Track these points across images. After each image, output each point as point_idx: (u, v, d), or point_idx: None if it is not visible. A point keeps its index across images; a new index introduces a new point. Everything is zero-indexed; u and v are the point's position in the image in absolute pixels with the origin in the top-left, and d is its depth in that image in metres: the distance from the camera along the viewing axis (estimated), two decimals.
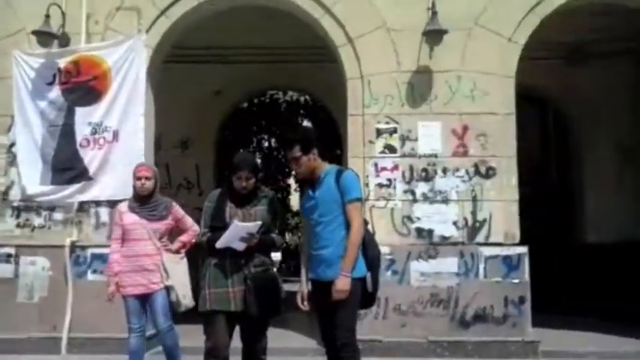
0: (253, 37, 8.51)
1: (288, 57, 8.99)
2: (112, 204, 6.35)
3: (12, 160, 6.56)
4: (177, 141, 9.54)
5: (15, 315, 6.30)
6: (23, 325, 6.28)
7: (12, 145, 6.58)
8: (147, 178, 4.50)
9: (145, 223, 4.44)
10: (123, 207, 4.59)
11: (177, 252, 4.53)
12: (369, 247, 3.55)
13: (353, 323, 3.51)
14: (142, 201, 4.52)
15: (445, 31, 6.18)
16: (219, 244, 3.69)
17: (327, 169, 3.66)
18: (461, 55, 6.38)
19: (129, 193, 6.28)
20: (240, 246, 3.70)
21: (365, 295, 3.52)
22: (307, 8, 6.51)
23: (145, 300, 4.46)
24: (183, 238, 4.62)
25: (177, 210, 4.62)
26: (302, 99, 13.64)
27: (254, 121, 13.73)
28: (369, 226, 3.77)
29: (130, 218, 4.48)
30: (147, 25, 6.58)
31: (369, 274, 3.51)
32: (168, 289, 4.36)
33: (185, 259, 4.54)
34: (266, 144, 16.00)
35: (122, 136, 6.44)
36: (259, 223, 3.72)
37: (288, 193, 18.51)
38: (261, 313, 3.69)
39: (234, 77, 9.54)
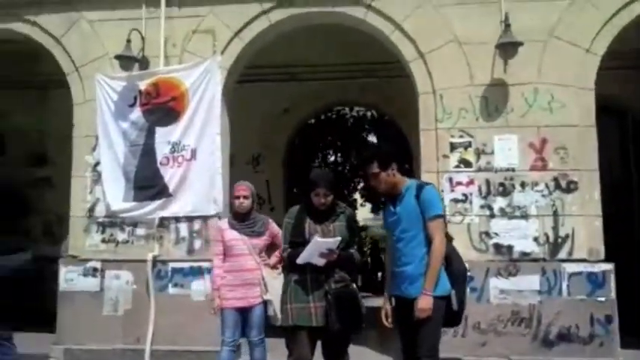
0: (321, 55, 8.64)
1: (356, 73, 9.07)
2: (191, 220, 6.63)
3: (97, 179, 6.88)
4: (249, 158, 9.75)
5: (101, 327, 6.58)
6: (108, 336, 6.54)
7: (97, 164, 6.90)
8: (245, 197, 4.71)
9: (245, 240, 4.65)
10: (223, 224, 4.81)
11: (274, 267, 4.67)
12: (453, 264, 3.52)
13: (435, 341, 3.49)
14: (241, 218, 4.73)
15: (520, 44, 6.07)
16: (299, 260, 3.75)
17: (407, 184, 3.68)
18: (537, 68, 6.25)
19: (207, 209, 6.60)
20: (320, 262, 3.75)
21: (450, 313, 3.48)
22: (377, 25, 6.56)
23: (243, 313, 4.63)
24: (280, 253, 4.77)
25: (274, 226, 4.81)
26: (369, 114, 13.68)
27: (320, 136, 13.86)
28: (454, 242, 3.72)
29: (231, 235, 4.69)
30: (221, 46, 6.79)
31: (453, 292, 3.48)
32: (266, 303, 4.51)
33: (282, 275, 4.67)
34: (331, 158, 16.08)
35: (199, 155, 6.66)
36: (339, 238, 3.76)
37: (355, 207, 18.53)
38: (343, 328, 3.71)
39: (302, 94, 9.69)
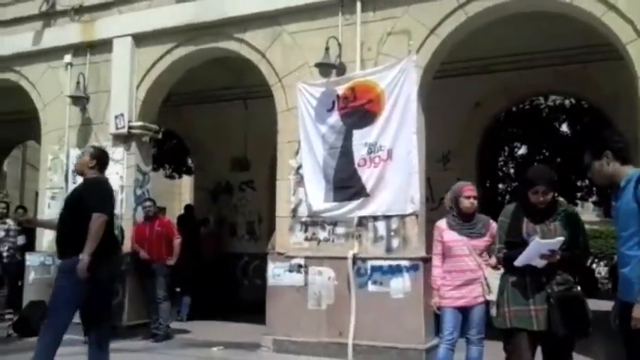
0: (514, 44, 8.26)
1: (554, 60, 8.53)
2: (389, 218, 6.74)
3: (299, 181, 7.28)
4: (439, 155, 9.66)
5: (306, 320, 6.95)
6: (313, 329, 6.89)
7: (299, 167, 7.29)
8: (474, 197, 4.70)
9: (465, 241, 4.64)
10: (442, 224, 4.83)
11: (495, 267, 4.60)
12: None
13: None
14: (464, 219, 4.71)
15: None
16: (518, 262, 3.62)
17: (628, 174, 3.20)
18: None
19: (404, 208, 6.66)
20: (541, 263, 3.59)
21: None
22: (586, 7, 6.09)
23: (463, 312, 4.64)
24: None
25: (494, 227, 4.67)
26: (567, 102, 12.80)
27: (511, 129, 13.27)
28: None
29: (450, 236, 4.71)
30: (417, 45, 6.80)
31: None
32: (488, 303, 4.46)
33: None
34: (519, 152, 15.28)
35: (396, 154, 6.75)
36: (561, 239, 3.57)
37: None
38: (569, 333, 3.52)
39: (494, 87, 9.39)
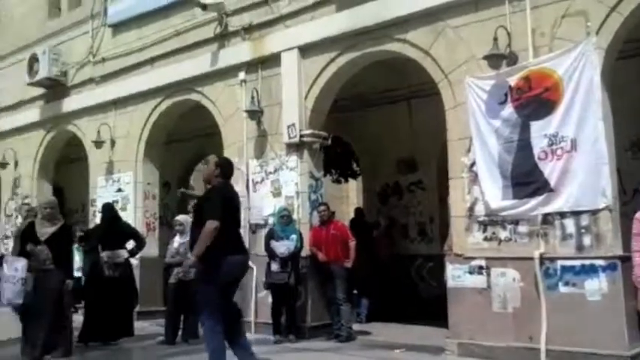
0: None
1: None
2: (577, 215, 6.25)
3: (474, 179, 7.02)
4: (627, 143, 8.77)
5: (491, 323, 6.69)
6: (499, 333, 6.60)
7: (472, 164, 7.05)
8: None
9: None
10: None
11: None
12: None
13: None
14: None
15: None
16: None
17: None
18: None
19: (594, 202, 6.14)
20: None
21: None
22: None
23: None
24: None
25: None
26: None
27: None
28: None
29: None
30: (595, 26, 6.27)
31: None
32: None
33: None
34: None
35: (581, 145, 6.26)
36: None
37: None
38: None
39: None
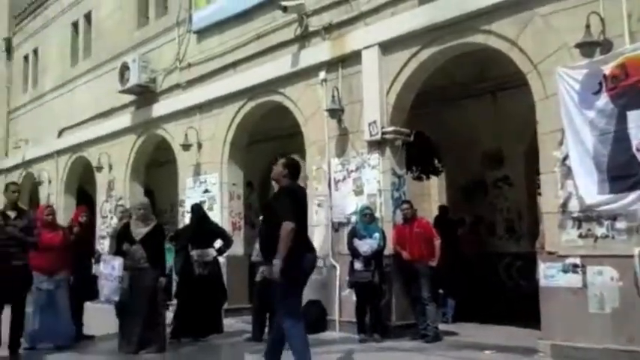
0: None
1: None
2: None
3: (567, 173, 6.71)
4: None
5: (587, 324, 6.37)
6: (596, 335, 6.29)
7: (565, 158, 6.73)
8: None
9: None
10: None
11: None
12: None
13: None
14: None
15: None
16: None
17: None
18: None
19: None
20: None
21: None
22: None
23: None
24: None
25: None
26: None
27: None
28: None
29: None
30: None
31: None
32: None
33: None
34: None
35: None
36: None
37: None
38: None
39: None
